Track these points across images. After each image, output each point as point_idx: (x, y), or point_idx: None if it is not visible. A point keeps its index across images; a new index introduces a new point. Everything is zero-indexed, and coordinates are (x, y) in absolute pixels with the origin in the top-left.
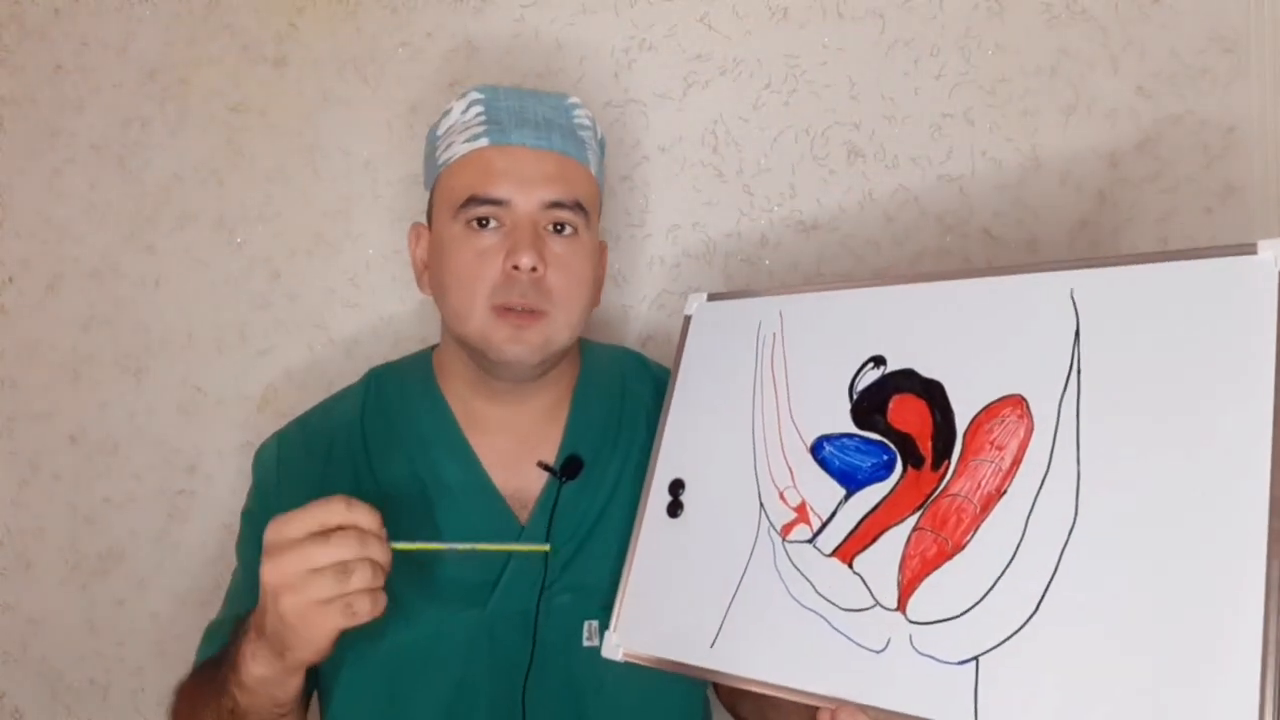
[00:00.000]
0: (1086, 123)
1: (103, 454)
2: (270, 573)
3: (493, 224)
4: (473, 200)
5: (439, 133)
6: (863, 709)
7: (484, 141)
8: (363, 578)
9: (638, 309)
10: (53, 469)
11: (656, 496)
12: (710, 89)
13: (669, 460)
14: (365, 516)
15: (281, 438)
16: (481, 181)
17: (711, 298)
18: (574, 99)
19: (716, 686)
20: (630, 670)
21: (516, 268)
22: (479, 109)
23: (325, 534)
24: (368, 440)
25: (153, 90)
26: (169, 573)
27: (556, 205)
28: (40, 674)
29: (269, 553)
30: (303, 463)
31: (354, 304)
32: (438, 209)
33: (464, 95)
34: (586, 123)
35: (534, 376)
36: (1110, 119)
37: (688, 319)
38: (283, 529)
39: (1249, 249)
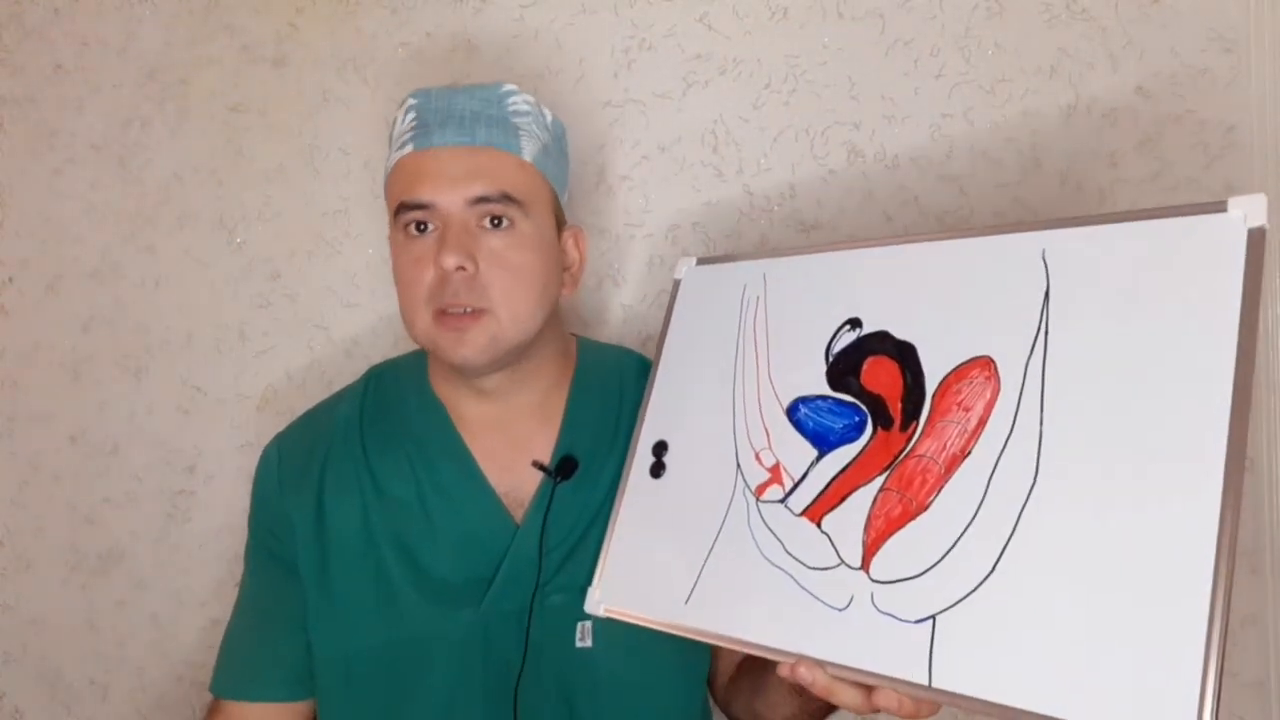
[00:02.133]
0: (1086, 123)
1: (103, 454)
2: None
3: (430, 228)
4: (402, 207)
5: (389, 143)
6: (822, 664)
7: (409, 148)
8: None
9: (637, 309)
10: (53, 469)
11: (641, 458)
12: (710, 89)
13: (654, 422)
14: None
15: (281, 440)
16: (407, 187)
17: (701, 262)
18: (510, 87)
19: (711, 687)
20: (624, 672)
21: (444, 269)
22: (412, 115)
23: None
24: (365, 440)
25: (153, 90)
26: (169, 573)
27: (482, 200)
28: (40, 674)
29: None
30: (304, 464)
31: (354, 304)
32: (388, 220)
33: (403, 103)
34: (524, 108)
35: (491, 372)
36: (1110, 119)
37: (677, 283)
38: None
39: (1219, 207)
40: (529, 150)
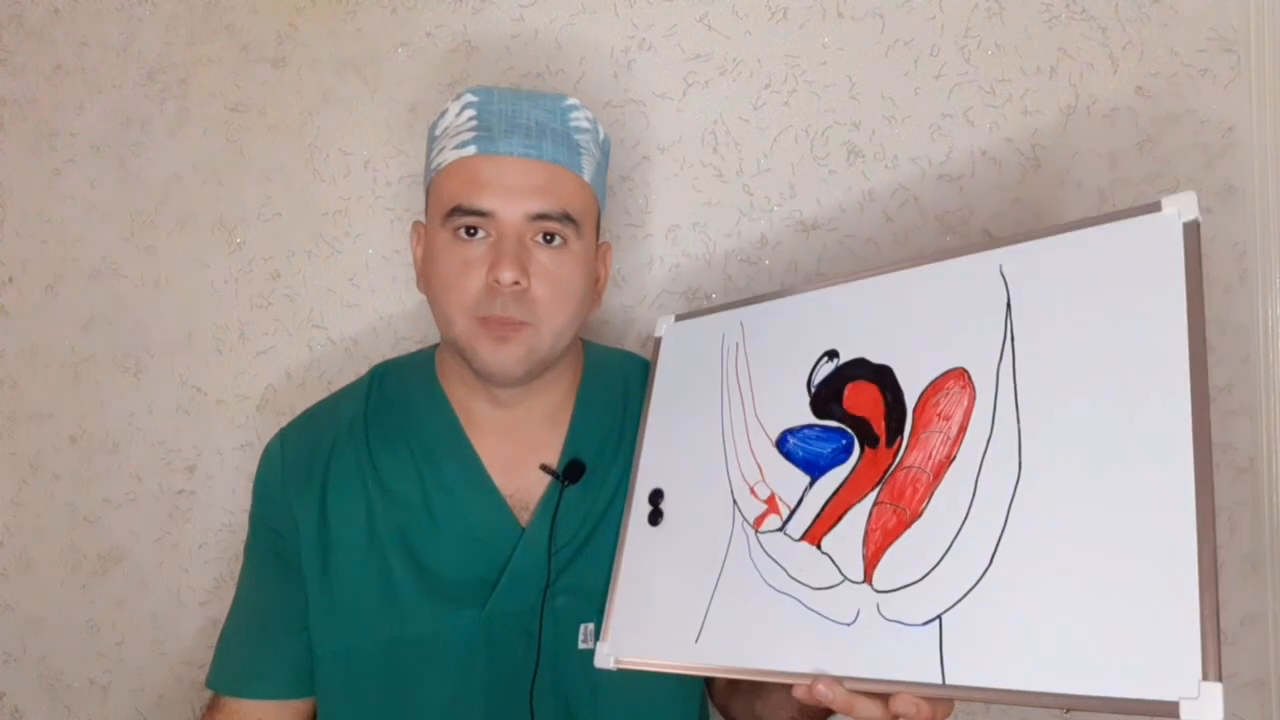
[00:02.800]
0: (1086, 123)
1: (103, 454)
2: None
3: (480, 234)
4: (458, 210)
5: (435, 134)
6: (838, 680)
7: (472, 149)
8: None
9: (637, 309)
10: (53, 469)
11: (638, 507)
12: (710, 89)
13: (648, 472)
14: None
15: (285, 435)
16: (467, 191)
17: (679, 318)
18: (572, 100)
19: (709, 691)
20: (624, 674)
21: (498, 281)
22: (471, 113)
23: None
24: (370, 437)
25: (153, 90)
26: (169, 573)
27: (543, 217)
28: (40, 674)
29: None
30: (307, 460)
31: (354, 304)
32: (430, 213)
33: (459, 96)
34: (585, 125)
35: (521, 384)
36: (1110, 119)
37: (657, 341)
38: None
39: (1154, 207)
40: (588, 170)
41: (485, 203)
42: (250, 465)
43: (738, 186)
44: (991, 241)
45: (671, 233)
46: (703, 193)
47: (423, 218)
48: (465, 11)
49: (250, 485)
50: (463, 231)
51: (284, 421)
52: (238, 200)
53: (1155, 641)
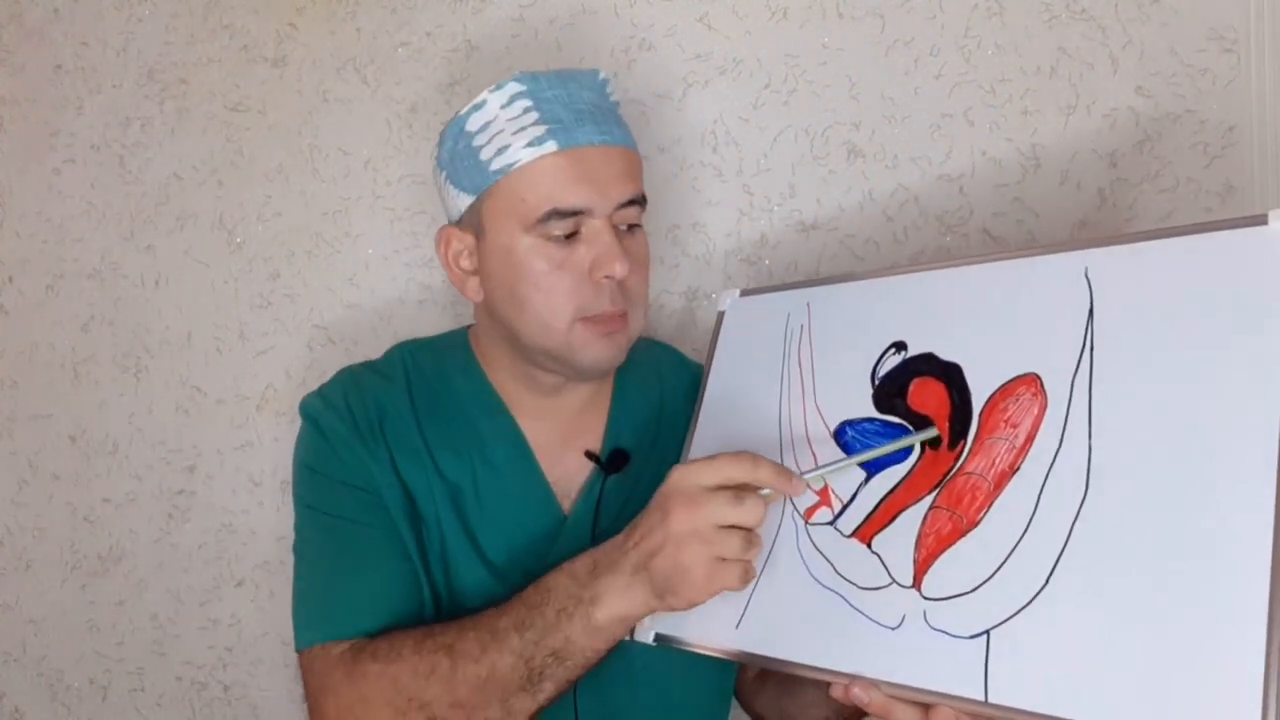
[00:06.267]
0: (1086, 123)
1: (103, 454)
2: (682, 520)
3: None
4: (554, 214)
5: (474, 129)
6: (876, 684)
7: (551, 145)
8: (756, 546)
9: None
10: (53, 469)
11: None
12: (710, 89)
13: (700, 450)
14: (769, 477)
15: (331, 401)
16: (560, 193)
17: (745, 293)
18: (602, 75)
19: (736, 686)
20: (659, 663)
21: (609, 277)
22: (526, 103)
23: (734, 492)
24: (420, 416)
25: (152, 90)
26: (169, 573)
27: (630, 203)
28: (40, 674)
29: (681, 498)
30: (369, 429)
31: (353, 304)
32: (498, 217)
33: (500, 87)
34: (617, 97)
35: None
36: (1110, 119)
37: (721, 314)
38: (694, 477)
39: (1259, 220)
40: (636, 143)
41: (581, 200)
42: (250, 465)
43: (738, 186)
44: (1077, 241)
45: (671, 233)
46: (703, 193)
47: (422, 216)
48: (465, 11)
49: (249, 485)
50: (558, 234)
51: (285, 421)
52: (238, 200)
53: (1215, 682)
